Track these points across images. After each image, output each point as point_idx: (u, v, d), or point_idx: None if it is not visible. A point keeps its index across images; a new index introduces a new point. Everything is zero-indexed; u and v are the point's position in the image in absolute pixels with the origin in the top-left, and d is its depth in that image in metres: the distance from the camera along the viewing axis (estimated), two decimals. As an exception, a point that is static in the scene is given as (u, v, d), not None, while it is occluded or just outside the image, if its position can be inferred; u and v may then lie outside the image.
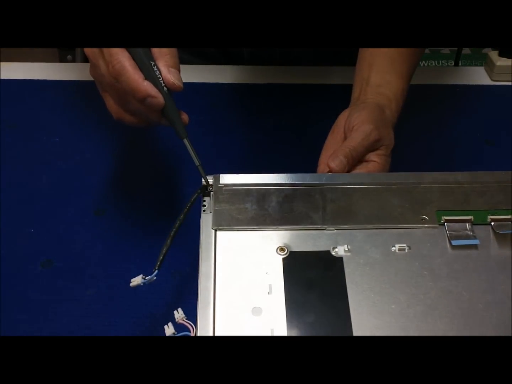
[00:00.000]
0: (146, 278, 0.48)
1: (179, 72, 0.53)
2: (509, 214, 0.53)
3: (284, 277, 0.49)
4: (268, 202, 0.53)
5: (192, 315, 0.54)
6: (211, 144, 0.73)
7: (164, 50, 0.53)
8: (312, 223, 0.52)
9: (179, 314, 0.48)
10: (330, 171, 0.57)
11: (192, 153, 0.55)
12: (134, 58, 0.52)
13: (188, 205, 0.53)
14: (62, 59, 1.15)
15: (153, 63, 0.52)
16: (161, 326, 0.53)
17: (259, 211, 0.52)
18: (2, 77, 0.86)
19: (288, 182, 0.54)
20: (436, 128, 0.78)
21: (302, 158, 0.66)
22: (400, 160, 0.73)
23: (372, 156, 0.60)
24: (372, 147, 0.59)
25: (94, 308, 0.54)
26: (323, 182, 0.55)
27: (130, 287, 0.56)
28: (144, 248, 0.61)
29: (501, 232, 0.52)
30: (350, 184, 0.54)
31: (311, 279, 0.49)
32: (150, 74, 0.52)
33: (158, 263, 0.49)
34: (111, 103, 0.55)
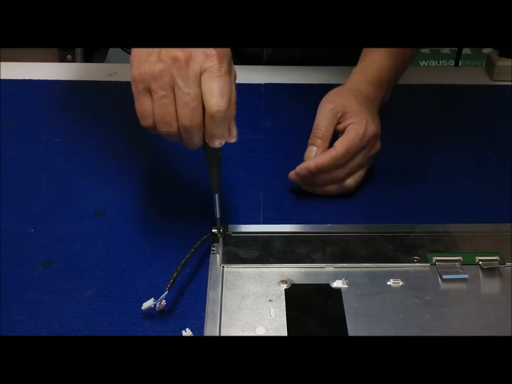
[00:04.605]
0: (157, 301, 0.52)
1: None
2: (496, 255, 0.57)
3: (286, 304, 0.53)
4: (272, 246, 0.59)
5: (191, 315, 0.54)
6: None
7: None
8: (312, 262, 0.57)
9: (186, 333, 0.52)
10: (310, 169, 0.63)
11: (217, 206, 0.57)
12: None
13: (198, 243, 0.57)
14: (62, 59, 1.15)
15: None
16: (161, 327, 0.53)
17: (263, 252, 0.58)
18: (2, 77, 0.86)
19: (290, 231, 0.61)
20: (436, 128, 0.78)
21: (302, 158, 0.66)
22: (400, 161, 0.73)
23: (344, 126, 0.65)
24: (337, 119, 0.65)
25: (94, 308, 0.54)
26: (323, 231, 0.61)
27: (129, 286, 0.56)
28: (144, 248, 0.60)
29: (489, 267, 0.56)
30: (347, 233, 0.60)
31: (312, 306, 0.53)
32: None
33: (169, 285, 0.53)
34: (147, 105, 0.51)
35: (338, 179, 0.65)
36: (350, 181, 0.66)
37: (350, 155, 0.64)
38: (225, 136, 0.51)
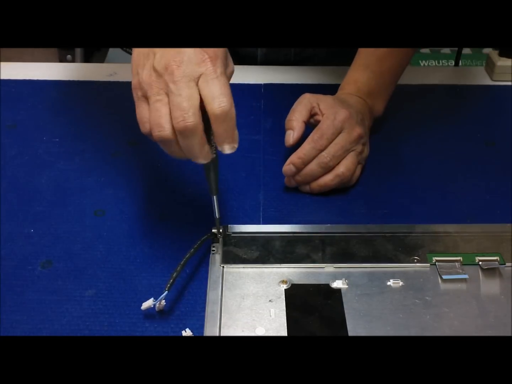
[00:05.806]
0: (156, 301, 0.52)
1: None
2: (496, 256, 0.57)
3: (286, 304, 0.53)
4: (272, 246, 0.59)
5: (191, 315, 0.54)
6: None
7: None
8: (312, 262, 0.57)
9: (186, 333, 0.51)
10: (293, 162, 0.65)
11: (216, 207, 0.57)
12: None
13: (198, 243, 0.57)
14: (62, 59, 1.15)
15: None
16: (161, 327, 0.53)
17: (263, 252, 0.59)
18: (2, 77, 0.86)
19: (290, 231, 0.61)
20: (436, 128, 0.78)
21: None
22: (400, 160, 0.73)
23: (317, 120, 0.67)
24: (311, 106, 0.68)
25: (94, 308, 0.54)
26: (323, 231, 0.61)
27: (129, 286, 0.56)
28: (144, 248, 0.60)
29: (489, 267, 0.56)
30: (347, 233, 0.61)
31: (311, 306, 0.53)
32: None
33: (168, 285, 0.53)
34: (145, 112, 0.52)
35: (326, 165, 0.65)
36: (342, 168, 0.65)
37: (326, 136, 0.65)
38: (235, 138, 0.51)
